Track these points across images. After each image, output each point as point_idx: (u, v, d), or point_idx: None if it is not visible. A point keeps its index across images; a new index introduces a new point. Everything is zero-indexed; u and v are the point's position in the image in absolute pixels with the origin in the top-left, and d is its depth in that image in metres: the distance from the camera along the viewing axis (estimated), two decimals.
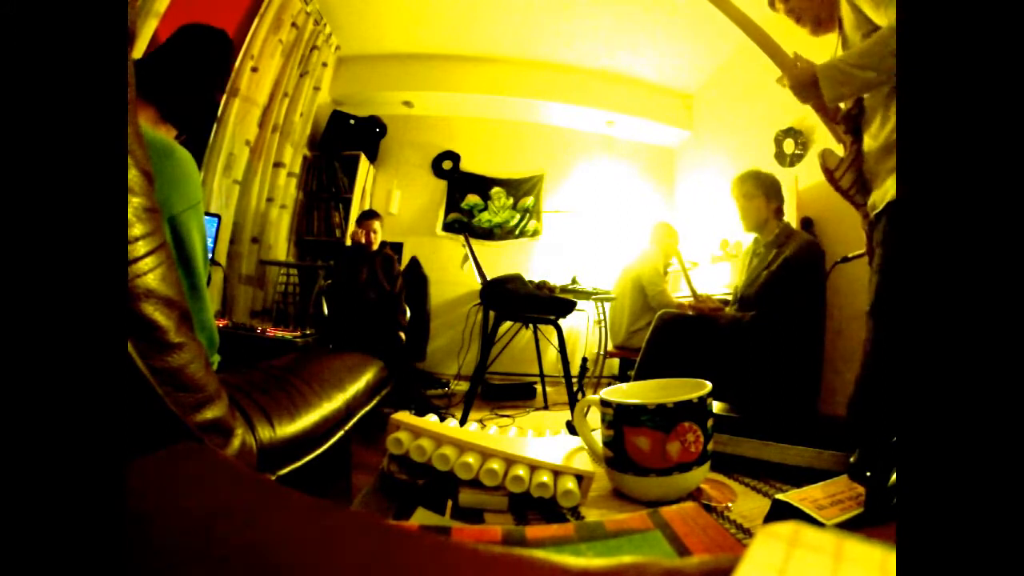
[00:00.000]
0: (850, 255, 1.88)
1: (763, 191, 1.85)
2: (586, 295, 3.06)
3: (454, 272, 3.35)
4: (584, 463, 0.55)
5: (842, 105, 1.13)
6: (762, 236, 1.89)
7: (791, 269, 1.72)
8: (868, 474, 0.42)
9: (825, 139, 1.28)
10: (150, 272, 0.37)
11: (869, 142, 1.06)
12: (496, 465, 0.51)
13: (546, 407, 2.71)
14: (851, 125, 1.10)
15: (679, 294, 2.51)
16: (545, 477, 0.51)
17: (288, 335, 1.98)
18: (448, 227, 3.68)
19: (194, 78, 0.79)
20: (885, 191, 1.01)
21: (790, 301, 1.71)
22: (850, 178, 1.11)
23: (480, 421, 0.68)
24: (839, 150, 1.14)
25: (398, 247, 3.29)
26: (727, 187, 2.01)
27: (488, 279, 1.85)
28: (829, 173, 1.13)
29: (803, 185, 2.46)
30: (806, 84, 1.03)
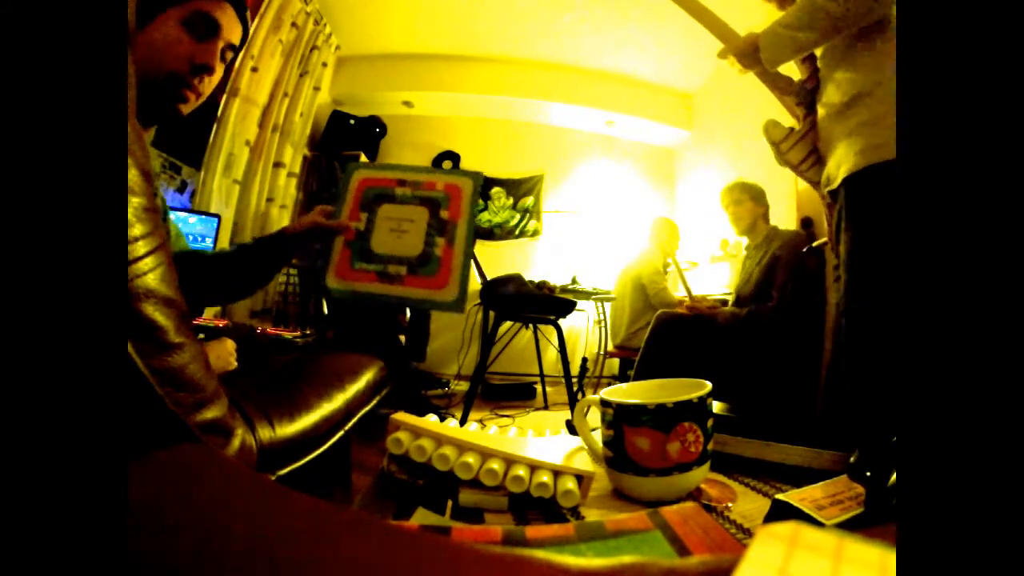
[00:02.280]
0: (814, 243, 1.87)
1: (750, 196, 1.93)
2: (586, 295, 3.06)
3: None
4: (584, 463, 0.55)
5: (796, 77, 1.09)
6: (751, 239, 1.96)
7: (780, 260, 1.78)
8: (868, 474, 0.42)
9: None
10: (150, 272, 0.37)
11: (821, 111, 1.01)
12: (496, 465, 0.51)
13: (546, 407, 2.71)
14: (806, 98, 1.06)
15: (678, 293, 2.51)
16: (545, 477, 0.51)
17: (288, 335, 1.98)
18: None
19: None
20: (839, 162, 0.94)
21: (783, 291, 1.73)
22: (800, 152, 1.07)
23: (480, 421, 0.68)
24: (793, 123, 1.10)
25: None
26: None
27: (488, 279, 1.85)
28: (775, 146, 1.09)
29: (803, 185, 2.46)
30: (748, 51, 1.02)
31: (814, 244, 1.87)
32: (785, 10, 1.07)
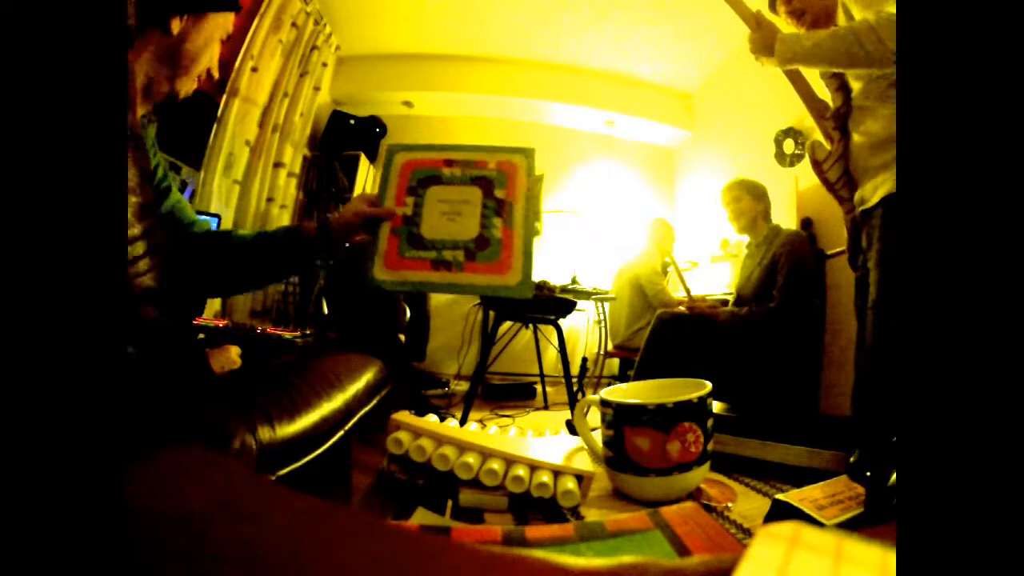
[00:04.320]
0: (829, 252, 1.93)
1: (749, 193, 1.94)
2: (586, 295, 3.05)
3: None
4: (584, 463, 0.55)
5: (831, 103, 1.17)
6: (753, 237, 1.97)
7: (780, 260, 1.78)
8: (868, 474, 0.42)
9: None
10: (148, 273, 0.37)
11: (858, 139, 1.09)
12: (496, 465, 0.51)
13: (546, 407, 2.71)
14: (839, 122, 1.14)
15: (678, 294, 2.51)
16: (545, 477, 0.51)
17: (288, 335, 1.98)
18: None
19: None
20: (876, 186, 1.03)
21: (784, 292, 1.74)
22: (837, 172, 1.16)
23: (480, 421, 0.68)
24: (828, 146, 1.19)
25: None
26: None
27: None
28: (817, 165, 1.19)
29: (803, 185, 2.46)
30: (766, 46, 1.10)
31: (829, 253, 1.90)
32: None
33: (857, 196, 1.12)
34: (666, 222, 2.68)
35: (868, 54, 0.93)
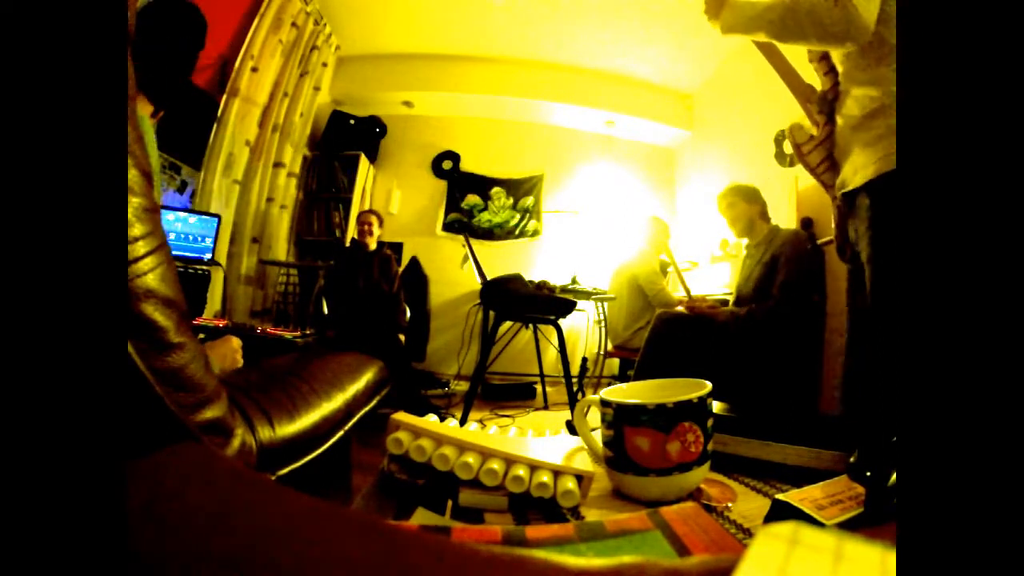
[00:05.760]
0: (819, 241, 1.94)
1: (742, 197, 1.97)
2: (586, 295, 3.06)
3: (454, 272, 3.35)
4: (584, 463, 0.55)
5: (818, 86, 1.17)
6: (751, 239, 1.98)
7: (780, 259, 1.79)
8: (868, 474, 0.42)
9: None
10: (150, 272, 0.37)
11: (841, 121, 1.08)
12: (496, 465, 0.51)
13: (546, 407, 2.71)
14: (826, 107, 1.13)
15: (677, 293, 2.51)
16: (545, 477, 0.51)
17: (288, 335, 1.98)
18: (448, 227, 3.68)
19: (168, 53, 0.79)
20: (856, 168, 1.01)
21: (783, 290, 1.74)
22: (818, 156, 1.15)
23: (480, 421, 0.68)
24: (814, 131, 1.18)
25: (398, 247, 3.29)
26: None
27: (488, 279, 1.85)
28: (798, 148, 1.19)
29: (803, 185, 2.47)
30: (717, 8, 1.08)
31: (818, 242, 1.91)
32: None
33: (838, 180, 1.10)
34: (660, 219, 2.68)
35: (840, 31, 0.90)
